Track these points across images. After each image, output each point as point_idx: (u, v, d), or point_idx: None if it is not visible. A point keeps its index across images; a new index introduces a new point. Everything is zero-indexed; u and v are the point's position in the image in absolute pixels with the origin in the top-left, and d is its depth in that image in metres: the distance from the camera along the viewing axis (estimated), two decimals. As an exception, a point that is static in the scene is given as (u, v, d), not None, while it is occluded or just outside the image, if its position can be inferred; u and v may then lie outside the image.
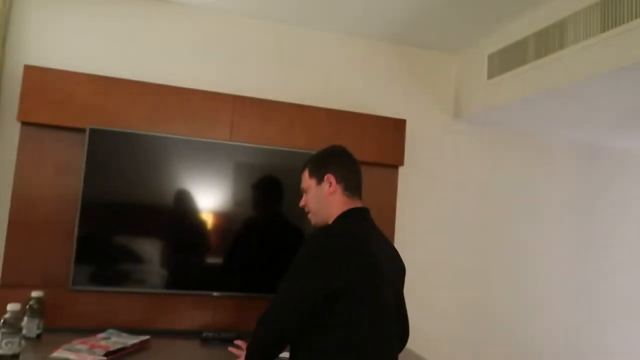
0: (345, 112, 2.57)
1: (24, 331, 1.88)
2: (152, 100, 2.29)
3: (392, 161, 2.63)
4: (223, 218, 2.31)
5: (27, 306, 1.93)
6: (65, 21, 2.32)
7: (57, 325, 2.09)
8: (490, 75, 2.62)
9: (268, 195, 2.41)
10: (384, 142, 2.62)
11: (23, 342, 1.80)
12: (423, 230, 2.78)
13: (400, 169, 2.73)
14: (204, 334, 2.17)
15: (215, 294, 2.26)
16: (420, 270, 2.73)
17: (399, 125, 2.66)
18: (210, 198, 2.30)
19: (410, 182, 2.78)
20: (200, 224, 2.29)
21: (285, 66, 2.63)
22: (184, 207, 2.27)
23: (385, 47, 2.80)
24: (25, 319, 1.91)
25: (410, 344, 2.60)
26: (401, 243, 2.67)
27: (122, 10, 2.40)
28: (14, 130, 2.20)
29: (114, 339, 1.98)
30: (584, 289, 3.08)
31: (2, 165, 2.20)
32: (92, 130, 2.17)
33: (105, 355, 1.79)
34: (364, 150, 2.56)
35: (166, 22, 2.46)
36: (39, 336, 1.95)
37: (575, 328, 3.03)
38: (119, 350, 1.86)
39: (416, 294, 2.70)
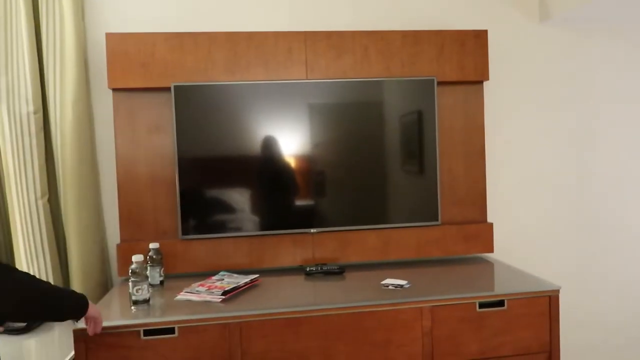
0: (420, 32, 2.44)
1: (149, 279, 2.07)
2: (227, 50, 2.31)
3: (476, 77, 2.49)
4: (310, 158, 2.35)
5: (148, 257, 2.11)
6: (133, -16, 2.37)
7: (176, 272, 2.28)
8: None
9: (350, 130, 2.39)
10: (465, 57, 2.47)
11: (150, 288, 1.98)
12: (516, 148, 2.65)
13: (486, 85, 2.59)
14: (308, 269, 2.27)
15: (313, 230, 2.34)
16: (515, 191, 2.64)
17: (479, 37, 2.49)
18: (294, 139, 2.33)
19: (497, 98, 2.63)
20: (291, 166, 2.34)
21: (353, -7, 2.52)
22: (271, 152, 2.32)
23: (456, -47, 2.59)
24: (148, 268, 2.10)
25: (504, 257, 2.60)
26: (494, 164, 2.59)
27: (184, -38, 2.40)
28: (108, 98, 2.33)
29: (227, 279, 2.12)
30: None
31: (104, 132, 2.35)
32: (177, 88, 2.24)
33: (223, 294, 1.93)
34: (445, 70, 2.45)
35: (227, -32, 2.43)
36: (161, 282, 2.14)
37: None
38: (233, 289, 1.99)
39: (515, 213, 2.64)
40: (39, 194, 2.14)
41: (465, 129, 2.53)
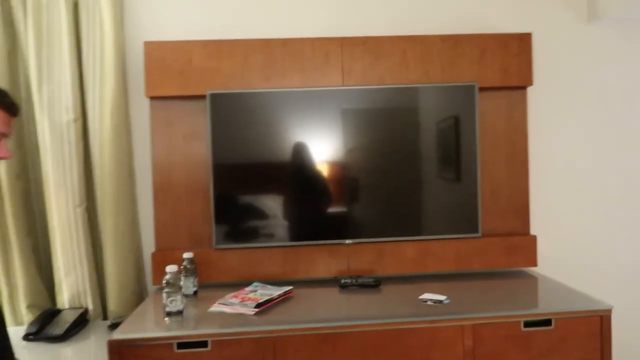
0: (460, 36, 2.36)
1: (182, 289, 2.06)
2: (263, 56, 2.28)
3: (519, 82, 2.38)
4: (345, 165, 2.29)
5: (182, 267, 2.10)
6: (170, -8, 2.37)
7: (209, 282, 2.26)
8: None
9: (385, 136, 2.33)
10: (508, 61, 2.37)
11: (184, 299, 1.97)
12: (561, 156, 2.51)
13: (530, 90, 2.47)
14: (342, 281, 2.21)
15: (348, 241, 2.28)
16: (560, 202, 2.51)
17: (523, 40, 2.38)
18: (329, 147, 2.28)
19: (542, 103, 2.51)
20: (326, 174, 2.30)
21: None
22: (305, 159, 2.28)
23: (499, -46, 2.49)
24: (182, 278, 2.09)
25: (549, 271, 2.47)
26: (537, 172, 2.47)
27: (220, -31, 2.39)
28: (145, 105, 2.33)
29: (260, 291, 2.09)
30: None
31: (141, 140, 2.35)
32: (212, 95, 2.23)
33: (256, 307, 1.89)
34: (487, 74, 2.36)
35: (263, -26, 2.40)
36: (195, 293, 2.13)
37: None
38: (267, 301, 1.96)
39: (559, 224, 2.51)
40: (77, 201, 2.16)
41: (508, 135, 2.43)
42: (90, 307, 2.18)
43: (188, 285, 2.10)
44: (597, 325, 1.85)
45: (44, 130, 2.14)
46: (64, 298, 2.17)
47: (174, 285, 1.84)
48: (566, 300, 1.93)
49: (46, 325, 2.01)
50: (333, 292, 2.16)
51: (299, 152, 2.28)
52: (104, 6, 2.18)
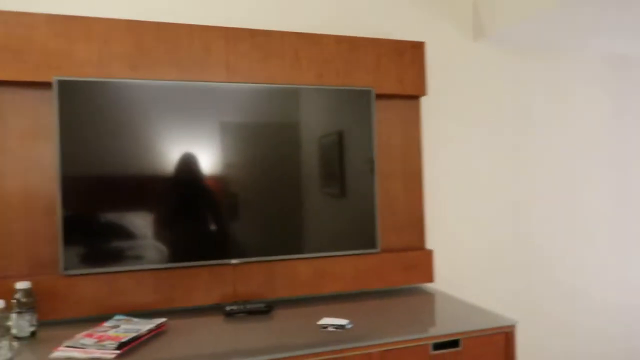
0: (357, 39, 2.20)
1: (13, 331, 1.56)
2: (130, 40, 1.89)
3: (414, 91, 2.29)
4: (228, 176, 1.97)
5: (14, 301, 1.60)
6: (7, -48, 1.88)
7: (54, 318, 1.77)
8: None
9: (274, 144, 2.06)
10: (403, 69, 2.27)
11: (14, 343, 1.48)
12: (455, 169, 2.47)
13: (423, 101, 2.40)
14: (228, 308, 1.87)
15: (234, 261, 1.95)
16: (455, 215, 2.45)
17: (417, 49, 2.30)
18: (210, 154, 1.94)
19: (434, 115, 2.45)
20: (206, 186, 1.95)
21: (281, -10, 2.23)
22: (185, 168, 1.92)
23: (392, -42, 2.41)
24: (14, 316, 1.58)
25: (445, 287, 2.40)
26: (431, 182, 2.39)
27: None
28: (-35, 92, 1.80)
29: (124, 326, 1.67)
30: (629, 221, 2.85)
31: (-44, 136, 1.80)
32: (61, 83, 1.78)
33: (118, 347, 1.48)
34: (383, 81, 2.22)
35: (133, -54, 2.03)
36: (33, 334, 1.63)
37: (621, 262, 2.81)
38: (132, 339, 1.54)
39: (453, 237, 2.44)
40: None
41: (403, 147, 2.31)
42: None
43: (22, 324, 1.60)
44: (502, 343, 1.75)
45: None
46: None
47: (-2, 328, 1.36)
48: (470, 319, 1.81)
49: None
50: (217, 322, 1.80)
51: (181, 162, 1.91)
52: None
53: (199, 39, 1.99)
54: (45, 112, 1.83)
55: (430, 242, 2.38)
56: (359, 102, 2.16)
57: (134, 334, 1.57)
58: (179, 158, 1.90)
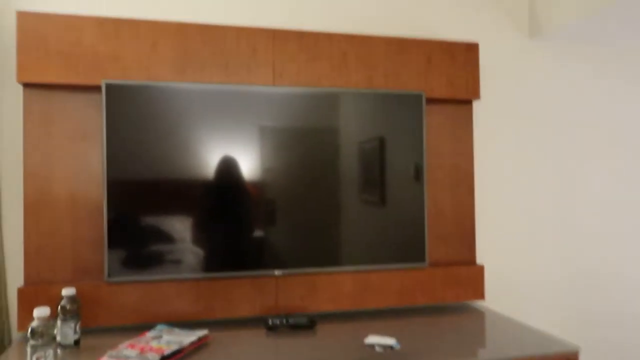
0: (406, 40, 2.10)
1: (58, 338, 1.55)
2: (176, 43, 1.86)
3: (466, 95, 2.17)
4: (266, 181, 1.91)
5: (59, 307, 1.59)
6: (58, -46, 1.87)
7: (98, 325, 1.76)
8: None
9: (318, 148, 1.99)
10: (455, 72, 2.15)
11: (59, 351, 1.47)
12: (508, 178, 2.33)
13: (476, 104, 2.28)
14: (270, 322, 1.81)
15: (277, 272, 1.89)
16: (506, 228, 2.32)
17: (470, 51, 2.18)
18: (257, 159, 1.89)
19: (487, 120, 2.32)
20: (245, 191, 1.90)
21: (330, -10, 2.15)
22: (229, 174, 1.87)
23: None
24: (59, 323, 1.58)
25: (497, 305, 2.27)
26: (481, 191, 2.27)
27: None
28: (17, 94, 1.80)
29: (166, 337, 1.63)
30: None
31: (9, 140, 1.81)
32: (109, 87, 1.76)
33: (160, 361, 1.44)
34: (434, 84, 2.12)
35: (181, -54, 1.99)
36: (77, 342, 1.61)
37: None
38: (175, 353, 1.51)
39: (505, 251, 2.32)
40: None
41: (452, 154, 2.20)
42: None
43: (67, 332, 1.59)
44: (563, 370, 1.63)
45: None
46: None
47: (43, 336, 1.34)
48: (526, 342, 1.69)
49: None
50: (259, 336, 1.75)
51: (224, 166, 1.86)
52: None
53: (246, 41, 1.93)
54: (92, 116, 1.82)
55: (481, 256, 2.26)
56: (408, 106, 2.06)
57: (176, 347, 1.53)
58: (218, 161, 1.86)
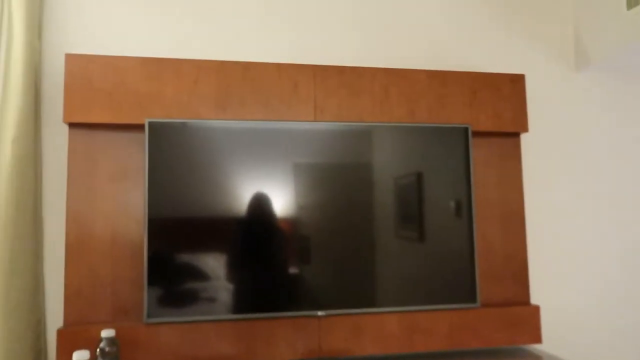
0: (449, 73, 2.06)
1: (96, 383, 1.51)
2: (217, 81, 1.86)
3: (514, 127, 2.09)
4: (319, 219, 1.86)
5: (98, 350, 1.55)
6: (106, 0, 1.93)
7: (136, 368, 1.71)
8: (632, 4, 2.03)
9: (360, 185, 1.93)
10: (501, 104, 2.09)
11: (97, 397, 1.42)
12: (560, 213, 2.22)
13: (523, 137, 2.20)
14: (313, 366, 1.73)
15: (320, 313, 1.81)
16: (562, 265, 2.19)
17: (516, 82, 2.11)
18: (300, 196, 1.84)
19: (534, 153, 2.23)
20: (289, 232, 1.84)
21: (371, 26, 2.14)
22: (270, 212, 1.83)
23: (487, -12, 2.26)
24: (97, 366, 1.53)
25: (554, 349, 2.10)
26: (532, 226, 2.16)
27: (170, -22, 1.99)
28: (63, 134, 1.83)
29: (206, 382, 1.56)
30: None
31: (54, 179, 1.83)
32: (152, 125, 1.76)
33: (201, 409, 1.37)
34: (480, 117, 2.05)
35: (223, -13, 2.02)
36: (115, 386, 1.56)
37: None
38: (216, 400, 1.43)
39: (561, 290, 2.17)
40: (-46, 259, 1.57)
41: (501, 188, 2.11)
42: (-39, 407, 1.56)
43: (105, 376, 1.54)
44: None
45: None
46: None
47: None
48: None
49: None
50: (300, 382, 1.66)
51: (259, 204, 1.82)
52: (15, 7, 1.70)
53: (287, 78, 1.92)
54: (133, 154, 1.82)
55: (535, 295, 2.12)
56: (452, 139, 1.99)
57: (216, 393, 1.46)
58: (251, 198, 1.82)
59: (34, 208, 1.72)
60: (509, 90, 2.10)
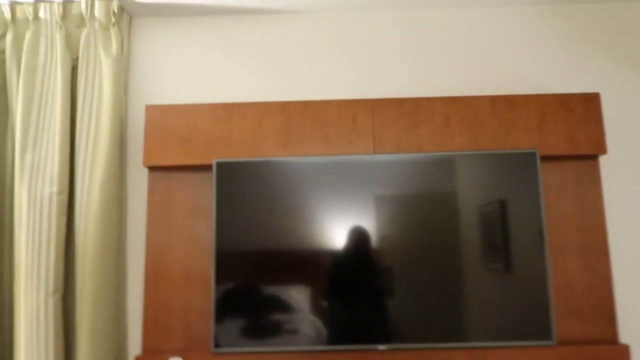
0: (514, 97, 1.99)
1: (166, 407, 1.60)
2: (279, 121, 1.97)
3: (589, 150, 1.95)
4: (381, 252, 1.86)
5: (168, 376, 1.66)
6: (181, 54, 2.13)
7: (205, 395, 1.79)
8: None
9: (424, 217, 1.90)
10: (573, 125, 1.97)
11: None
12: (649, 237, 2.02)
13: (602, 159, 2.04)
14: (376, 401, 1.70)
15: (381, 347, 1.79)
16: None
17: (590, 102, 1.99)
18: (359, 229, 1.86)
19: (618, 176, 2.05)
20: (354, 263, 1.86)
21: (426, 55, 2.14)
22: (355, 244, 1.86)
23: (548, 9, 2.17)
24: (167, 391, 1.64)
25: None
26: (621, 254, 1.97)
27: (234, 27, 2.15)
28: (144, 177, 2.02)
29: (267, 412, 1.60)
30: None
31: (137, 218, 2.02)
32: (219, 164, 1.90)
33: None
34: (549, 141, 1.95)
35: (280, 33, 2.15)
36: (183, 412, 1.65)
37: None
38: None
39: None
40: (51, 289, 1.79)
41: (579, 216, 1.97)
42: (56, 423, 1.73)
43: (173, 402, 1.64)
44: None
45: (22, 205, 1.83)
46: (26, 410, 1.73)
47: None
48: None
49: None
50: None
51: (360, 239, 1.86)
52: (105, 67, 1.95)
53: (345, 113, 1.98)
54: (205, 193, 1.96)
55: (624, 334, 1.91)
56: (521, 165, 1.91)
57: (274, 423, 1.49)
58: (349, 232, 1.85)
59: (118, 244, 1.91)
60: (583, 110, 1.98)
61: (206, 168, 1.97)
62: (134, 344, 1.93)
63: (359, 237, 1.86)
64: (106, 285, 1.84)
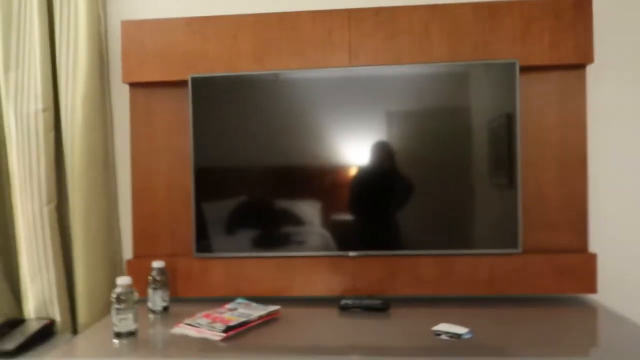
0: (497, 3, 1.90)
1: (148, 304, 1.77)
2: (254, 34, 1.95)
3: (576, 59, 1.88)
4: (351, 166, 1.90)
5: (150, 278, 1.80)
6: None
7: (190, 295, 1.95)
8: None
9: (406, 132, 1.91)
10: (560, 32, 1.88)
11: (151, 316, 1.67)
12: (629, 153, 1.97)
13: (589, 69, 1.96)
14: (343, 302, 1.82)
15: (351, 254, 1.88)
16: (628, 212, 1.96)
17: (580, 7, 1.88)
18: (330, 143, 1.90)
19: (605, 87, 1.98)
20: (325, 174, 1.91)
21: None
22: (298, 156, 1.92)
23: None
24: (150, 291, 1.79)
25: (613, 302, 1.90)
26: (595, 171, 1.95)
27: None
28: (125, 93, 2.07)
29: (241, 310, 1.75)
30: None
31: (120, 133, 2.10)
32: (194, 80, 1.93)
33: (225, 330, 1.55)
34: (533, 50, 1.88)
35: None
36: (165, 309, 1.82)
37: None
38: (240, 324, 1.60)
39: (624, 241, 1.96)
40: (45, 199, 1.92)
41: (559, 128, 1.93)
42: (58, 318, 1.93)
43: (156, 300, 1.80)
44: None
45: (9, 122, 1.92)
46: (30, 307, 1.93)
47: (125, 302, 1.54)
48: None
49: (3, 337, 1.78)
50: (330, 315, 1.77)
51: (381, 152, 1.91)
52: (80, -17, 1.94)
53: (321, 24, 1.94)
54: (184, 108, 2.00)
55: (594, 244, 1.94)
56: (500, 77, 1.87)
57: (243, 319, 1.63)
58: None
59: (104, 158, 2.01)
60: (571, 17, 1.88)
61: (185, 84, 1.99)
62: (126, 250, 2.08)
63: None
64: (97, 197, 1.96)
